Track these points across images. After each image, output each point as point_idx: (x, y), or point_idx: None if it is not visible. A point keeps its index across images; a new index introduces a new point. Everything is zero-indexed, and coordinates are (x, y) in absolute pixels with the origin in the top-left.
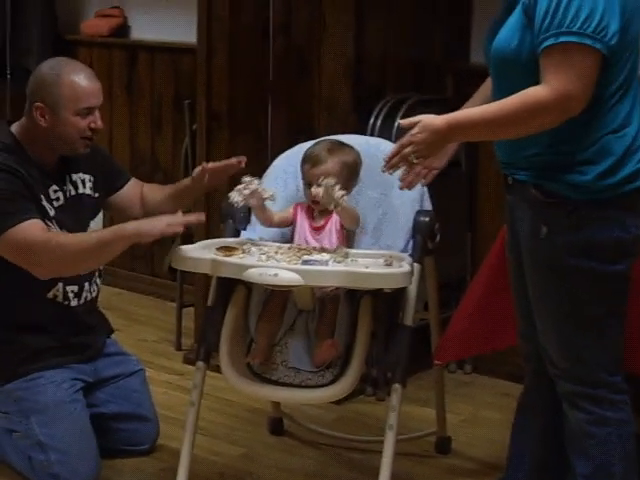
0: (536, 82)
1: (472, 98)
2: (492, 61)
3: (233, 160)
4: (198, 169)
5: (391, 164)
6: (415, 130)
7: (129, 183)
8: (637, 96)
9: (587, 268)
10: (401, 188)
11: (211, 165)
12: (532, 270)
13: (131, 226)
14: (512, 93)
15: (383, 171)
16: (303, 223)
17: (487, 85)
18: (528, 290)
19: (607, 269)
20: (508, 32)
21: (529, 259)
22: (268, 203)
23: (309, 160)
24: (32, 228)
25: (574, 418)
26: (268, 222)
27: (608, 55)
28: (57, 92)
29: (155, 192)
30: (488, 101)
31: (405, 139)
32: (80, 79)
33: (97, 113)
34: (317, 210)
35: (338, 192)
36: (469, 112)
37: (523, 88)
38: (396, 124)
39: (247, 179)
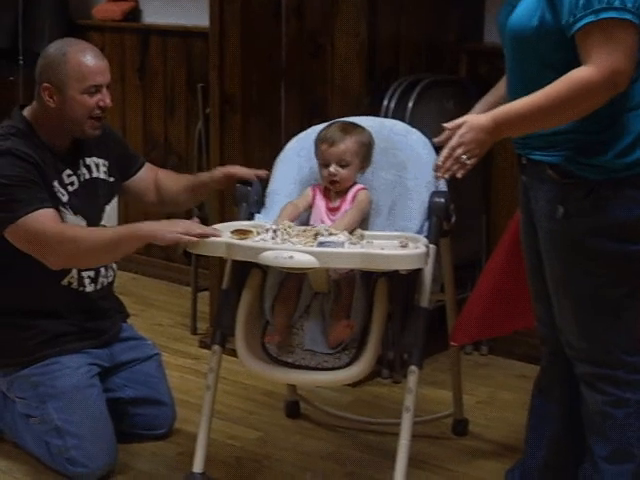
0: (557, 60)
1: (490, 92)
2: (509, 40)
3: (260, 172)
4: (221, 172)
5: (445, 168)
6: (462, 130)
7: (144, 168)
8: None
9: (606, 249)
10: (437, 178)
11: (237, 172)
12: (549, 252)
13: (147, 227)
14: (529, 73)
15: (437, 177)
16: (319, 204)
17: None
18: (545, 272)
19: (627, 249)
20: (526, 10)
21: (546, 240)
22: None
23: (326, 140)
24: (45, 218)
25: (592, 400)
26: (297, 216)
27: None
28: (63, 71)
29: (171, 181)
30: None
31: (454, 141)
32: (86, 58)
33: (105, 91)
34: (333, 190)
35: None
36: (514, 105)
37: (541, 68)
38: (409, 105)
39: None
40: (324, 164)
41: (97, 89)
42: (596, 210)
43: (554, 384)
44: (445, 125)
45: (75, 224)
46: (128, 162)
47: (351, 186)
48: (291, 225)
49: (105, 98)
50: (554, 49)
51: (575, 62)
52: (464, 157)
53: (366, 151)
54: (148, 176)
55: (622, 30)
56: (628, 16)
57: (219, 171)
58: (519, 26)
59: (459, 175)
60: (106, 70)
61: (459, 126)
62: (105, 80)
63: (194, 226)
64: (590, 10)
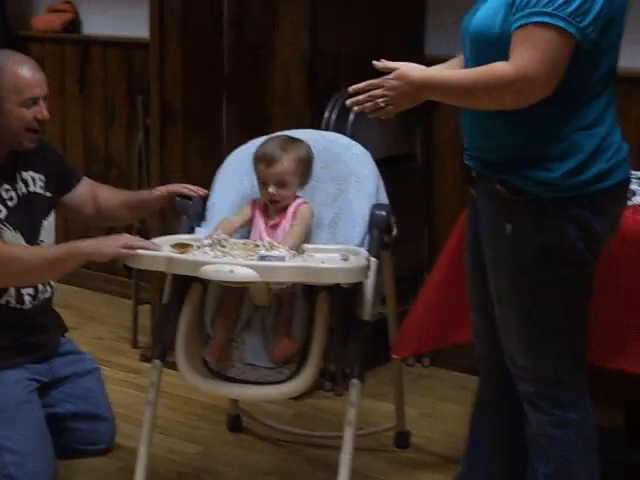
0: None
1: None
2: (470, 41)
3: (201, 192)
4: (162, 191)
5: (357, 100)
6: (391, 76)
7: (81, 183)
8: (612, 96)
9: (552, 270)
10: (350, 106)
11: (178, 190)
12: (494, 268)
13: (87, 245)
14: None
15: (347, 105)
16: (258, 221)
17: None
18: (488, 285)
19: (573, 271)
20: (490, 11)
21: (491, 256)
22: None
23: (263, 160)
24: None
25: (535, 419)
26: (233, 232)
27: (583, 43)
28: (0, 84)
29: (110, 196)
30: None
31: (378, 80)
32: (23, 70)
33: (42, 103)
34: (272, 208)
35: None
36: (443, 73)
37: None
38: (350, 117)
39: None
40: (263, 183)
41: (34, 101)
42: (543, 230)
43: (490, 404)
44: (376, 63)
45: (14, 243)
46: (66, 177)
47: (291, 201)
48: (226, 238)
49: (42, 110)
50: None
51: None
52: (380, 100)
53: (305, 166)
54: (86, 191)
55: (550, 36)
56: (561, 23)
57: (160, 190)
58: (482, 27)
59: (369, 115)
60: (43, 82)
61: (390, 70)
62: (42, 92)
63: (134, 240)
64: (527, 12)
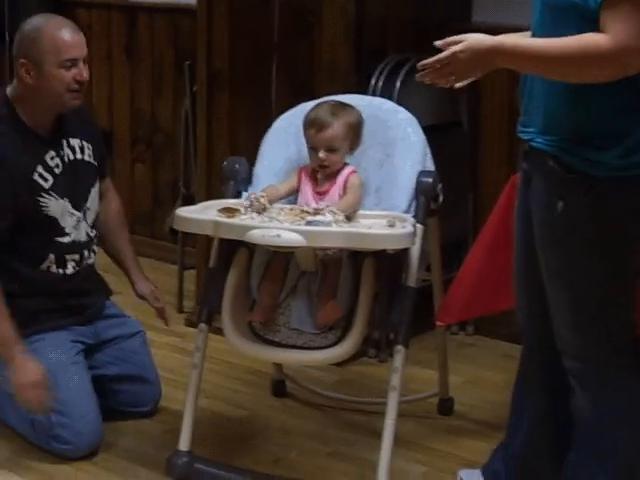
0: (594, 30)
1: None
2: (541, 3)
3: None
4: (138, 287)
5: (425, 75)
6: (459, 48)
7: (106, 180)
8: None
9: (603, 248)
10: (417, 78)
11: (147, 298)
12: (546, 244)
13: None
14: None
15: (417, 80)
16: (306, 188)
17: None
18: (536, 262)
19: (624, 250)
20: None
21: (543, 232)
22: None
23: (313, 124)
24: None
25: (580, 396)
26: (276, 199)
27: None
28: (39, 47)
29: (113, 234)
30: None
31: (445, 55)
32: (61, 32)
33: (81, 65)
34: (322, 174)
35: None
36: (521, 40)
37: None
38: (397, 84)
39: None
40: (313, 148)
41: (73, 63)
42: (594, 208)
43: (532, 378)
44: (442, 42)
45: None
46: (102, 162)
47: (341, 169)
48: (264, 196)
49: (82, 72)
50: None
51: None
52: (452, 80)
53: (355, 132)
54: (101, 188)
55: None
56: None
57: (138, 287)
58: None
59: (440, 85)
60: (82, 44)
61: (457, 42)
62: (81, 54)
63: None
64: None
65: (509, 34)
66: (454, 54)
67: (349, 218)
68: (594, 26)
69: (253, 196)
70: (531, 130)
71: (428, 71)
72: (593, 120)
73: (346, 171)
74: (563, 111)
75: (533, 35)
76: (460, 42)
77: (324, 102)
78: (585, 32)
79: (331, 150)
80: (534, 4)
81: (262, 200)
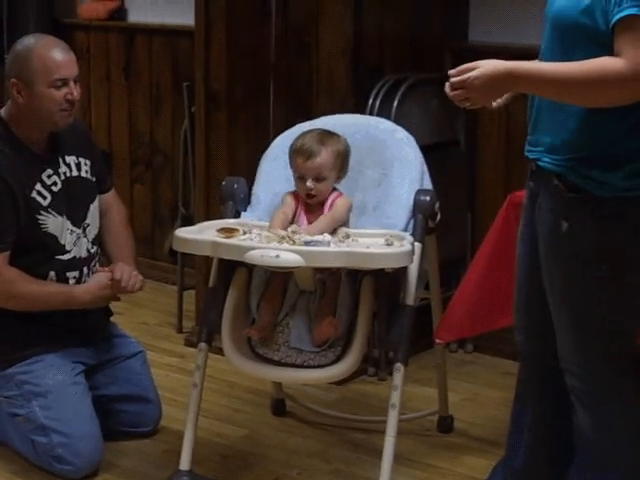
0: (602, 54)
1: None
2: (551, 25)
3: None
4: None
5: (448, 94)
6: (473, 75)
7: (109, 193)
8: None
9: (607, 269)
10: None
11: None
12: (550, 264)
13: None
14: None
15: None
16: (301, 215)
17: None
18: (539, 281)
19: (628, 272)
20: None
21: (547, 252)
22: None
23: (301, 153)
24: None
25: (581, 414)
26: (288, 225)
27: None
28: (30, 66)
29: (117, 246)
30: None
31: (459, 81)
32: (51, 52)
33: (72, 84)
34: (310, 203)
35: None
36: (537, 64)
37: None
38: (394, 103)
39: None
40: (300, 177)
41: (64, 82)
42: (599, 229)
43: (529, 395)
44: (456, 70)
45: (60, 228)
46: (102, 178)
47: (328, 196)
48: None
49: (72, 91)
50: (603, 40)
51: None
52: (467, 104)
53: (343, 160)
54: (106, 204)
55: None
56: None
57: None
58: (562, 11)
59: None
60: (72, 63)
61: (472, 69)
62: (71, 73)
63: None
64: (636, 2)
65: (518, 62)
66: (468, 80)
67: (347, 237)
68: (603, 49)
69: (290, 230)
70: (538, 149)
71: (450, 89)
72: (600, 141)
73: (332, 196)
74: (570, 131)
75: (541, 58)
76: (474, 68)
77: (311, 130)
78: (593, 55)
79: (319, 179)
80: (544, 27)
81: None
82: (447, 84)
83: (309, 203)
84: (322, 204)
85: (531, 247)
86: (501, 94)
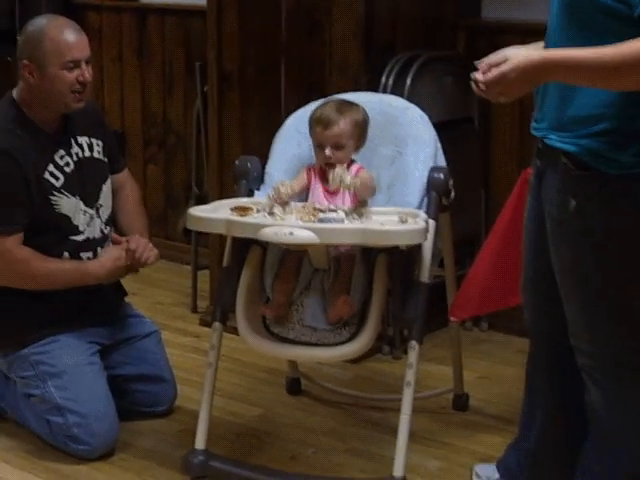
0: (621, 27)
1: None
2: (557, 4)
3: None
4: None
5: (476, 91)
6: (507, 68)
7: (122, 173)
8: None
9: (616, 247)
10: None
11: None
12: (558, 242)
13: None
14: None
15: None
16: (317, 187)
17: None
18: (547, 259)
19: (638, 252)
20: None
21: (555, 230)
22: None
23: (320, 122)
24: (10, 242)
25: (592, 391)
26: (291, 197)
27: None
28: (42, 48)
29: (130, 222)
30: None
31: (494, 77)
32: (64, 33)
33: (84, 66)
34: (330, 172)
35: (349, 178)
36: (572, 52)
37: (595, 39)
38: (408, 81)
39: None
40: (319, 146)
41: (76, 64)
42: (607, 207)
43: (540, 374)
44: (479, 64)
45: (73, 208)
46: (114, 157)
47: (348, 166)
48: (295, 205)
49: (84, 73)
50: (612, 18)
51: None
52: (501, 99)
53: (361, 130)
54: (119, 183)
55: None
56: None
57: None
58: None
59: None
60: (84, 45)
61: (502, 61)
62: (83, 55)
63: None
64: None
65: (551, 50)
66: (504, 75)
67: (361, 215)
68: (620, 22)
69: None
70: (544, 126)
71: (477, 88)
72: (609, 118)
73: (354, 168)
74: (578, 108)
75: (549, 36)
76: (504, 61)
77: (329, 100)
78: (610, 29)
79: (338, 147)
80: (551, 4)
81: (283, 189)
82: (476, 78)
83: (327, 174)
84: None
85: (538, 225)
86: (535, 86)
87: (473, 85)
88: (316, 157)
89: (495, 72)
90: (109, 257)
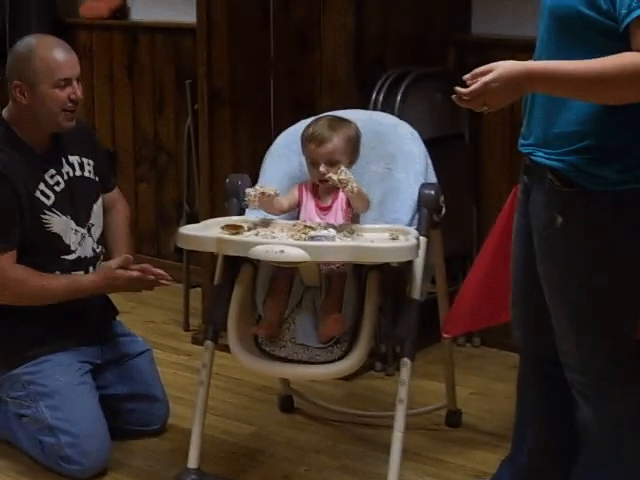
0: (604, 42)
1: None
2: (548, 16)
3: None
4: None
5: (459, 103)
6: (489, 78)
7: (113, 192)
8: None
9: (603, 264)
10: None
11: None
12: (545, 258)
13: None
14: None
15: (455, 102)
16: (309, 203)
17: None
18: (537, 276)
19: (623, 266)
20: None
21: (543, 246)
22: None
23: (313, 139)
24: (4, 261)
25: (583, 408)
26: (280, 212)
27: None
28: (32, 67)
29: (116, 240)
30: None
31: (478, 88)
32: (53, 52)
33: (75, 84)
34: (323, 188)
35: (353, 178)
36: (555, 65)
37: (582, 53)
38: (398, 97)
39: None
40: (312, 163)
41: (67, 82)
42: (593, 223)
43: (530, 390)
44: (470, 74)
45: (64, 228)
46: (105, 177)
47: None
48: (287, 223)
49: (76, 91)
50: (599, 33)
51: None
52: (485, 108)
53: (354, 146)
54: (109, 202)
55: None
56: None
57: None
58: (561, 2)
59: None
60: (75, 63)
61: (487, 72)
62: (74, 73)
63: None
64: None
65: (535, 62)
66: (487, 84)
67: (352, 232)
68: (604, 38)
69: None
70: (531, 142)
71: (461, 99)
72: (592, 134)
73: None
74: (564, 125)
75: (538, 49)
76: (489, 71)
77: (322, 117)
78: (594, 44)
79: (332, 164)
80: (540, 18)
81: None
82: (459, 91)
83: (320, 190)
84: (336, 191)
85: (526, 241)
86: (519, 96)
87: (455, 97)
88: (310, 174)
89: (479, 82)
90: (104, 270)
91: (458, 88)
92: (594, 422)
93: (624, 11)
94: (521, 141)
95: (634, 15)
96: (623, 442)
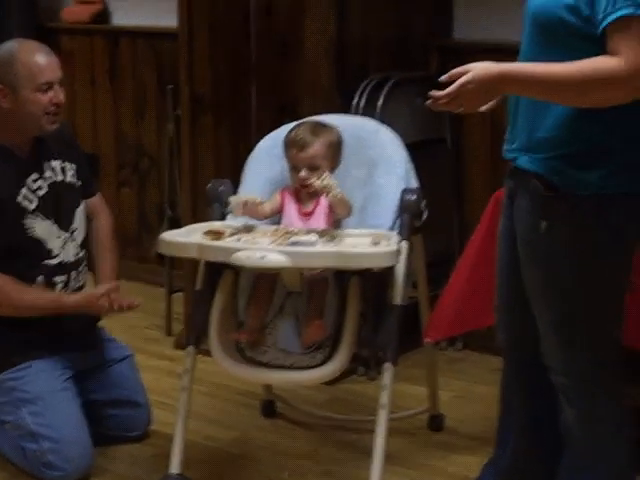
0: (585, 48)
1: None
2: (531, 22)
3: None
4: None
5: (434, 105)
6: (465, 80)
7: (95, 198)
8: None
9: (586, 269)
10: (428, 104)
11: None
12: (530, 263)
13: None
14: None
15: (430, 107)
16: (291, 208)
17: None
18: (518, 280)
19: (607, 271)
20: None
21: (527, 251)
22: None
23: (295, 144)
24: None
25: (567, 410)
26: (263, 217)
27: None
28: (14, 72)
29: (100, 256)
30: None
31: (454, 90)
32: (35, 56)
33: (57, 87)
34: (305, 193)
35: (336, 183)
36: (528, 65)
37: (565, 59)
38: (379, 103)
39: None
40: (294, 168)
41: (49, 86)
42: (577, 228)
43: (513, 394)
44: (443, 78)
45: (48, 232)
46: (87, 182)
47: None
48: (268, 228)
49: (58, 94)
50: (581, 39)
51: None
52: (461, 109)
53: (335, 151)
54: (91, 207)
55: None
56: None
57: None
58: (543, 8)
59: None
60: (56, 67)
61: (463, 73)
62: (56, 77)
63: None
64: (631, 2)
65: (509, 63)
66: (462, 86)
67: (333, 237)
68: (585, 43)
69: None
70: (515, 147)
71: (437, 102)
72: (577, 140)
73: None
74: (547, 130)
75: (522, 53)
76: (465, 73)
77: (304, 122)
78: (575, 50)
79: (313, 169)
80: (524, 23)
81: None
82: (433, 94)
83: (302, 195)
84: (317, 196)
85: (510, 245)
86: (494, 97)
87: (429, 103)
88: (291, 179)
89: (455, 84)
90: (89, 297)
91: (433, 92)
92: (577, 424)
93: (600, 16)
94: (505, 147)
95: (610, 19)
96: (606, 446)
